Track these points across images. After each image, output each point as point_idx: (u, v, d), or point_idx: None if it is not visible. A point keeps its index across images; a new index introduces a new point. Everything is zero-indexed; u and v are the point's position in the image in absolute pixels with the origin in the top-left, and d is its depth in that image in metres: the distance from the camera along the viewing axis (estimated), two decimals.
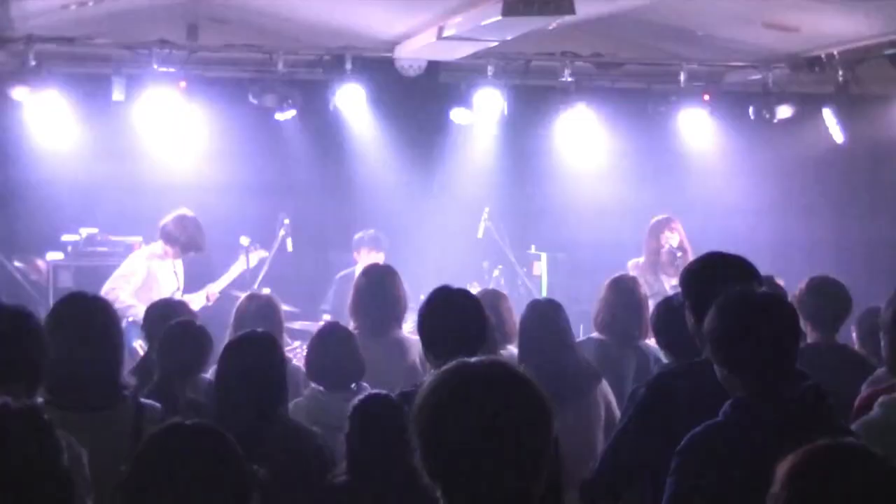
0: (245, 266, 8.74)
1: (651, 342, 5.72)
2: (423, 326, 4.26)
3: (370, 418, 4.03)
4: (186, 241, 8.38)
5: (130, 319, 7.41)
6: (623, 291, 6.07)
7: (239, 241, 8.86)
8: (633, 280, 6.37)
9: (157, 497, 2.77)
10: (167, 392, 4.66)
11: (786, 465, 2.34)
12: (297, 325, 8.06)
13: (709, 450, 3.17)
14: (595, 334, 6.09)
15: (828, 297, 5.55)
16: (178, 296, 8.08)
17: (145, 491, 2.80)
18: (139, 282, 8.17)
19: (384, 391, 4.25)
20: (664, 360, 5.02)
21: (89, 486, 3.05)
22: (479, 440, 2.15)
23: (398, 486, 3.86)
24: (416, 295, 7.89)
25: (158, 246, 8.40)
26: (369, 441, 3.99)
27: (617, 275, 6.31)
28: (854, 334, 5.85)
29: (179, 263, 8.48)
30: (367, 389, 4.94)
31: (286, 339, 6.68)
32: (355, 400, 4.20)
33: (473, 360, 2.27)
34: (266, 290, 7.67)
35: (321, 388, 5.05)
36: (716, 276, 3.71)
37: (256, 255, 8.86)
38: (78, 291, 4.24)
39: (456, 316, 4.19)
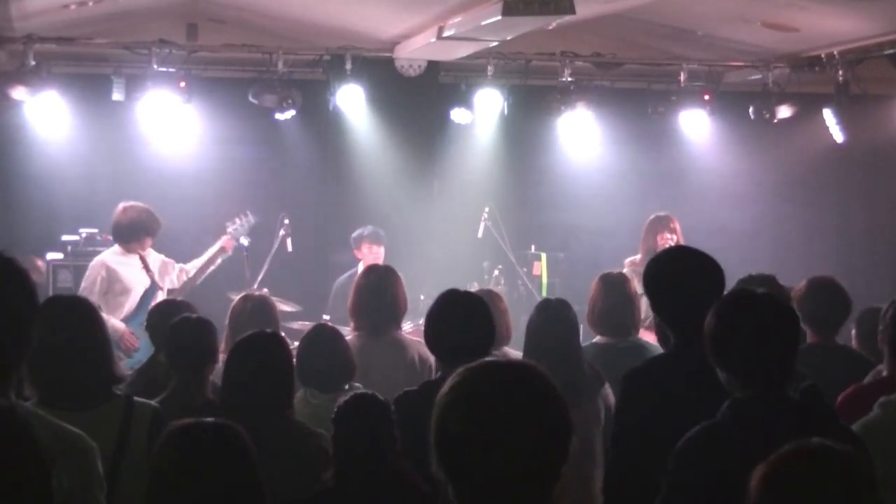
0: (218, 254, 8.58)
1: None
2: (430, 329, 4.38)
3: (356, 418, 3.98)
4: (128, 228, 8.05)
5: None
6: (612, 286, 6.08)
7: (239, 241, 8.85)
8: (622, 275, 6.40)
9: (176, 492, 2.80)
10: (184, 394, 4.62)
11: (756, 475, 2.33)
12: (296, 325, 8.05)
13: (705, 451, 3.17)
14: (595, 339, 6.09)
15: (827, 298, 5.53)
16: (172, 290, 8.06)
17: (165, 486, 2.82)
18: (104, 287, 7.87)
19: (370, 391, 4.23)
20: None
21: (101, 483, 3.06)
22: (490, 433, 2.13)
23: (385, 487, 3.86)
24: (415, 295, 7.91)
25: (115, 247, 8.15)
26: (355, 441, 3.94)
27: (604, 271, 6.33)
28: (853, 333, 5.84)
29: (155, 258, 8.19)
30: (361, 389, 4.93)
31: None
32: (340, 400, 4.13)
33: (497, 359, 2.26)
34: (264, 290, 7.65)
35: (313, 389, 5.01)
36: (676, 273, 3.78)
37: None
38: (63, 293, 4.26)
39: (463, 319, 4.30)
